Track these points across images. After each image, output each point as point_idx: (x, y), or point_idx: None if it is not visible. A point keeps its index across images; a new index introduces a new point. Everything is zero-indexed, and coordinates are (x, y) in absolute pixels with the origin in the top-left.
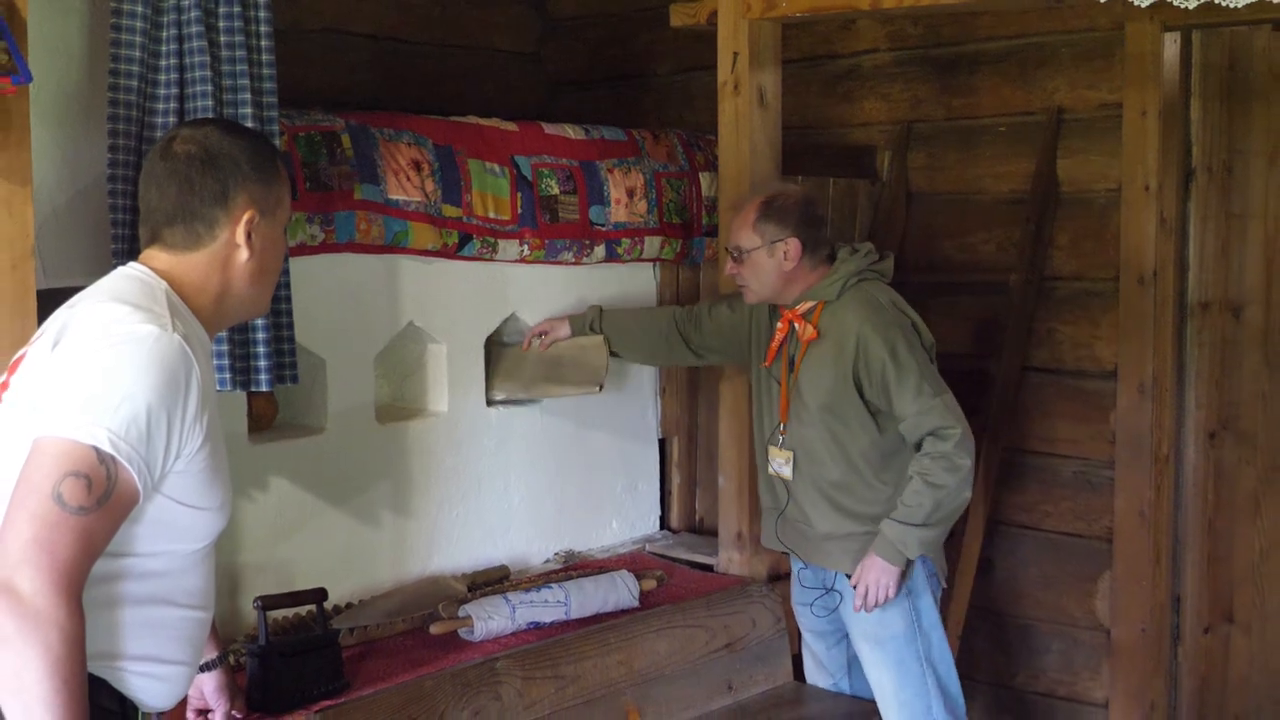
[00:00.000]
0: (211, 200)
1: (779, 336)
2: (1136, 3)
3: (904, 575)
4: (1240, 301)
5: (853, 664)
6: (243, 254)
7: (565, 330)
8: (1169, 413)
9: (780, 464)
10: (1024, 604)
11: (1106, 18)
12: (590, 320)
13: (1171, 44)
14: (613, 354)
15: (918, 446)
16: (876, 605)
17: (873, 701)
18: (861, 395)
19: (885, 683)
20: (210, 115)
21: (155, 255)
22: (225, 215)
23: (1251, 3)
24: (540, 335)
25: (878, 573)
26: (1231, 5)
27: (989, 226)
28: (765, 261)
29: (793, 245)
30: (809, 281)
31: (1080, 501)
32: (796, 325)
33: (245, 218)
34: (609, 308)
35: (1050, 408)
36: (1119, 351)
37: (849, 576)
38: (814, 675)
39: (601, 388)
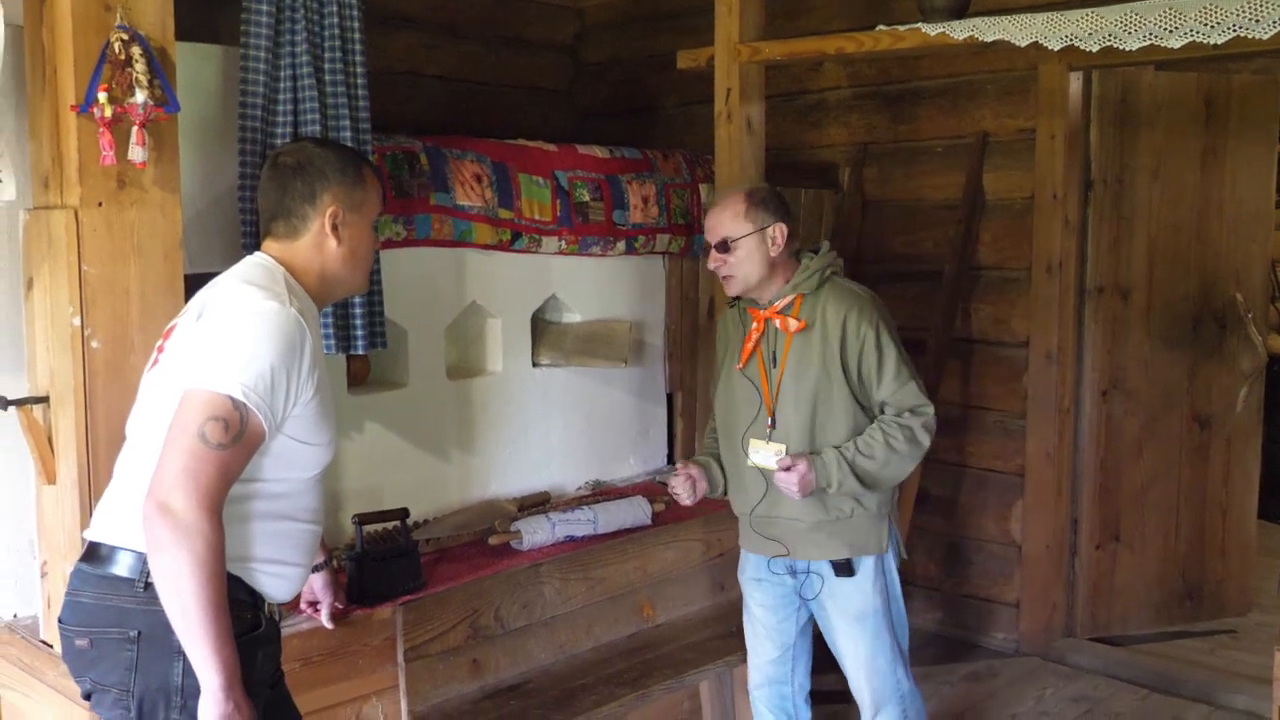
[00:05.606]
0: (301, 199)
1: (753, 336)
2: (1049, 47)
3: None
4: (1128, 287)
5: (800, 636)
6: (331, 242)
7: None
8: (1070, 375)
9: (769, 455)
10: (954, 525)
11: (1023, 60)
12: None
13: (1076, 81)
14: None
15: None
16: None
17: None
18: (846, 379)
19: (861, 653)
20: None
21: (270, 245)
22: (314, 210)
23: (1140, 47)
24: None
25: (802, 483)
26: (1124, 49)
27: (928, 227)
28: (755, 249)
29: (780, 230)
30: (788, 273)
31: (999, 445)
32: (776, 321)
33: (329, 212)
34: (703, 456)
35: (975, 370)
36: (1030, 326)
37: (832, 564)
38: (760, 646)
39: (626, 363)
